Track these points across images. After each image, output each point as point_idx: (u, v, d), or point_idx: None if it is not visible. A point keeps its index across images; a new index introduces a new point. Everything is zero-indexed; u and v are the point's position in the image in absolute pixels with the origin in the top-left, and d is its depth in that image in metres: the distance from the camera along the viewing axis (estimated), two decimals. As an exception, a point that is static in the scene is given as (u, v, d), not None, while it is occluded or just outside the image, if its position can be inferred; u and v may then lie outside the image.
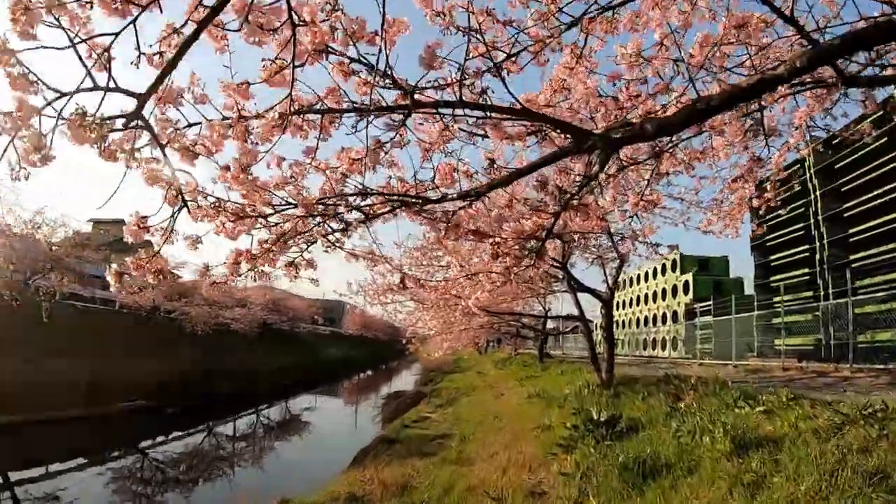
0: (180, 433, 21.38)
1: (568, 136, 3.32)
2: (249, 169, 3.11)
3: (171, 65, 2.52)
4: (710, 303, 23.25)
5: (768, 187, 5.13)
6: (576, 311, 13.33)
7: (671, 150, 4.42)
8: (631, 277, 34.98)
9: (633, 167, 4.53)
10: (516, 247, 3.68)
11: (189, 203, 3.06)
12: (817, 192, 19.19)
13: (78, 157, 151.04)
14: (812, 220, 19.90)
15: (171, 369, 29.61)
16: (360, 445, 15.04)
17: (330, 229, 3.55)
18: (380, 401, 28.73)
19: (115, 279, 3.24)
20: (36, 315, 23.53)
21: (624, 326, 36.58)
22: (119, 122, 2.57)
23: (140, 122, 2.63)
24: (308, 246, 3.65)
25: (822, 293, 19.19)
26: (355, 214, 3.54)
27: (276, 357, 45.69)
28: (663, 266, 30.49)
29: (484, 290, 4.66)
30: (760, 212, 5.45)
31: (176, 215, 3.06)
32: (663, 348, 29.06)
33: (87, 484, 14.53)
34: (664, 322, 29.91)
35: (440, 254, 10.45)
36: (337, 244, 3.72)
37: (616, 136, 3.20)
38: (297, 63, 2.66)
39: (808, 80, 4.05)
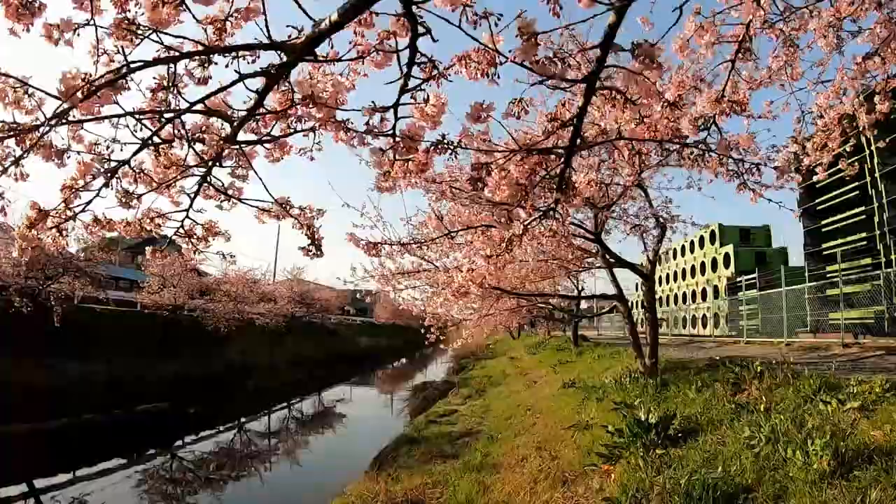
0: (192, 436, 20.59)
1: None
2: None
3: None
4: (755, 275, 21.54)
5: (878, 99, 3.70)
6: (612, 290, 11.92)
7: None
8: (666, 251, 33.07)
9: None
10: (520, 169, 2.31)
11: None
12: (873, 147, 17.16)
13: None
14: (868, 179, 18.09)
15: (194, 368, 29.17)
16: (382, 444, 13.94)
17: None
18: (410, 392, 27.61)
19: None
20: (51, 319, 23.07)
21: (660, 304, 34.92)
22: None
23: None
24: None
25: (882, 260, 17.48)
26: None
27: (306, 350, 45.17)
28: (701, 239, 28.70)
29: (483, 256, 3.22)
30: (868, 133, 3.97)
31: None
32: (703, 326, 27.41)
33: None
34: (703, 298, 28.19)
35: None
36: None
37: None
38: None
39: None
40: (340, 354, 51.16)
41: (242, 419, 23.96)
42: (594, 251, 10.81)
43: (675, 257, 33.26)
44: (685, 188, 8.95)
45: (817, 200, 19.94)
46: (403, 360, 62.35)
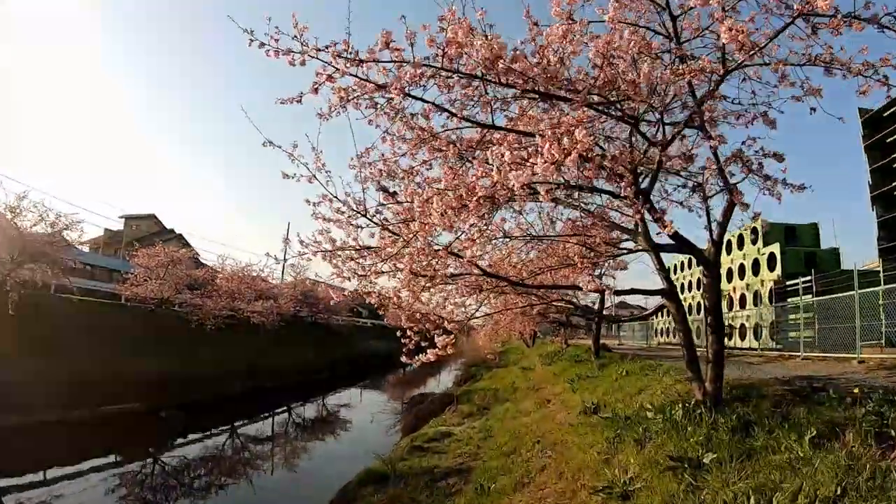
0: (147, 444, 17.98)
1: None
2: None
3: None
4: (809, 278, 18.25)
5: None
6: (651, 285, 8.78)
7: None
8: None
9: None
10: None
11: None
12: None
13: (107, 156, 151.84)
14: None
15: (177, 367, 26.62)
16: (354, 472, 11.04)
17: None
18: (408, 403, 24.64)
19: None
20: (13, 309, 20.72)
21: (690, 312, 31.51)
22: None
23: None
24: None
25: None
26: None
27: (307, 352, 42.52)
28: (740, 238, 25.27)
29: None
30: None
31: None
32: (742, 337, 24.02)
33: None
34: (742, 306, 24.76)
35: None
36: None
37: None
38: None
39: None
40: (347, 357, 48.52)
41: (212, 430, 21.19)
42: (632, 226, 7.71)
43: (690, 267, 30.11)
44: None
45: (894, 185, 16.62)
46: (416, 365, 59.31)
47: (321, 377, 39.01)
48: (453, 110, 5.22)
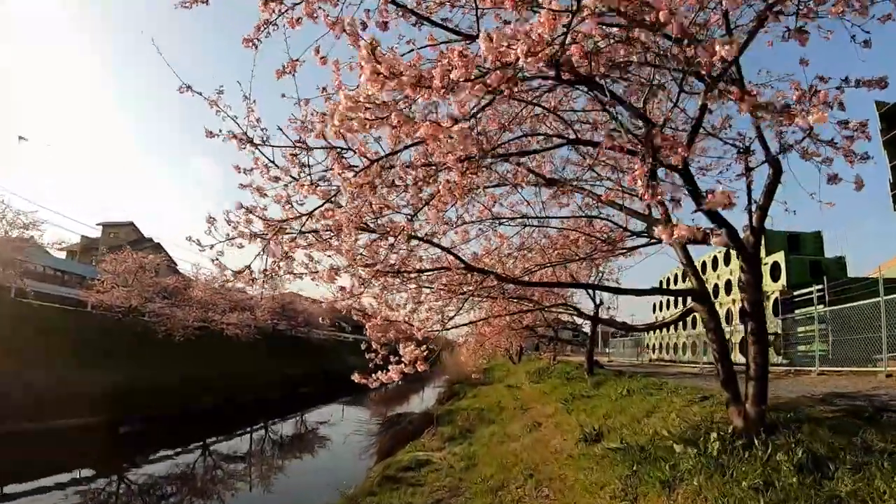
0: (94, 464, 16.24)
1: None
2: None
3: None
4: (821, 286, 16.85)
5: None
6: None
7: None
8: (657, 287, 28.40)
9: None
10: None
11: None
12: None
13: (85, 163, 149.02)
14: None
15: (142, 380, 24.72)
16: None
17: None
18: (384, 423, 22.76)
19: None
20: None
21: (684, 327, 30.06)
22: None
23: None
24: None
25: None
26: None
27: (283, 366, 40.56)
28: (703, 266, 23.94)
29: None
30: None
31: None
32: (742, 353, 22.56)
33: None
34: (742, 319, 23.26)
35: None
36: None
37: None
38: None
39: None
40: (328, 372, 46.56)
41: (170, 448, 19.36)
42: (645, 210, 6.16)
43: (703, 272, 28.52)
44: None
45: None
46: (400, 382, 57.40)
47: (299, 392, 37.20)
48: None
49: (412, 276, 5.80)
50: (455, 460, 11.10)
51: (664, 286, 30.65)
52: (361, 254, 5.62)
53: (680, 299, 28.69)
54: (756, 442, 5.25)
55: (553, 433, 10.87)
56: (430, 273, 5.95)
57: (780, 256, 21.06)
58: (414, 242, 5.29)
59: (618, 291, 6.13)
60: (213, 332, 34.62)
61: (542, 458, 8.92)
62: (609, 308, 25.62)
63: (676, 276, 30.77)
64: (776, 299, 20.23)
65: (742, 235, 5.86)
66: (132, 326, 29.24)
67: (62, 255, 55.17)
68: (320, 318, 49.99)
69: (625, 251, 6.87)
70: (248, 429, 25.32)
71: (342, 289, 5.58)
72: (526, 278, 7.37)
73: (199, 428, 23.06)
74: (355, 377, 5.53)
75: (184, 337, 30.92)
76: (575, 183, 6.60)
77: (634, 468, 5.97)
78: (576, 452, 8.14)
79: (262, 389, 33.16)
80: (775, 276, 21.19)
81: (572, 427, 10.27)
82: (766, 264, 21.95)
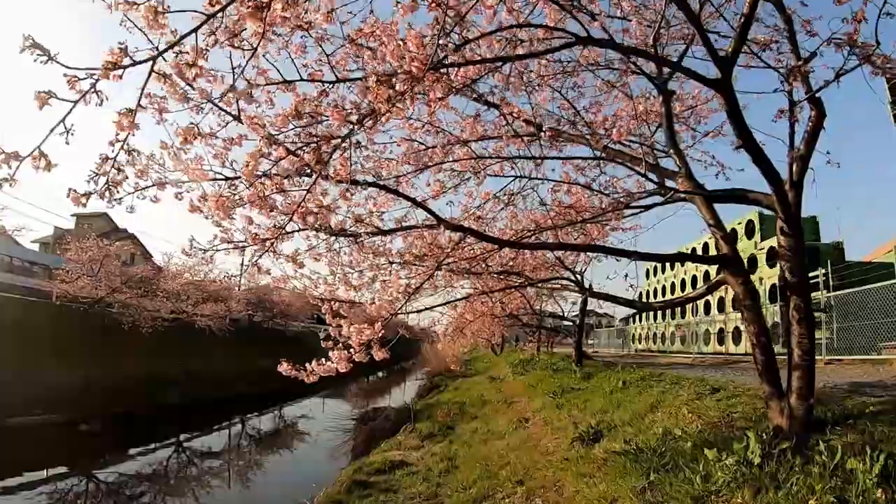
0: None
1: None
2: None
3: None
4: (825, 271, 15.96)
5: None
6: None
7: None
8: (682, 252, 26.94)
9: None
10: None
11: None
12: None
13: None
14: None
15: (105, 375, 23.66)
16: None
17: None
18: (358, 419, 21.45)
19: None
20: None
21: (672, 317, 29.15)
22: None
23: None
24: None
25: None
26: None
27: (259, 359, 39.08)
28: (733, 232, 22.85)
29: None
30: None
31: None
32: (735, 342, 21.65)
33: None
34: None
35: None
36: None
37: None
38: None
39: None
40: (306, 364, 45.11)
41: (132, 447, 18.03)
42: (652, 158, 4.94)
43: (735, 240, 27.14)
44: None
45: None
46: (381, 374, 56.17)
47: (274, 386, 35.77)
48: None
49: (368, 236, 4.54)
50: (434, 462, 9.90)
51: (708, 250, 27.99)
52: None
53: (702, 273, 26.55)
54: (807, 444, 4.11)
55: (542, 430, 9.71)
56: (396, 233, 4.66)
57: (775, 242, 20.09)
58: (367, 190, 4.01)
59: (638, 256, 4.98)
60: (184, 324, 32.97)
61: (532, 461, 7.74)
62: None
63: (706, 244, 27.35)
64: (773, 286, 19.30)
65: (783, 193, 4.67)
66: (98, 318, 27.57)
67: (35, 246, 53.49)
68: (292, 307, 48.58)
69: (640, 209, 5.63)
70: (217, 426, 23.96)
71: (255, 237, 4.25)
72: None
73: (167, 425, 21.77)
74: (282, 367, 4.27)
75: (151, 329, 29.25)
76: (573, 132, 5.38)
77: (651, 478, 4.80)
78: (572, 455, 6.97)
79: (236, 384, 31.93)
80: (771, 263, 20.25)
81: (564, 424, 9.14)
82: (761, 250, 21.06)
